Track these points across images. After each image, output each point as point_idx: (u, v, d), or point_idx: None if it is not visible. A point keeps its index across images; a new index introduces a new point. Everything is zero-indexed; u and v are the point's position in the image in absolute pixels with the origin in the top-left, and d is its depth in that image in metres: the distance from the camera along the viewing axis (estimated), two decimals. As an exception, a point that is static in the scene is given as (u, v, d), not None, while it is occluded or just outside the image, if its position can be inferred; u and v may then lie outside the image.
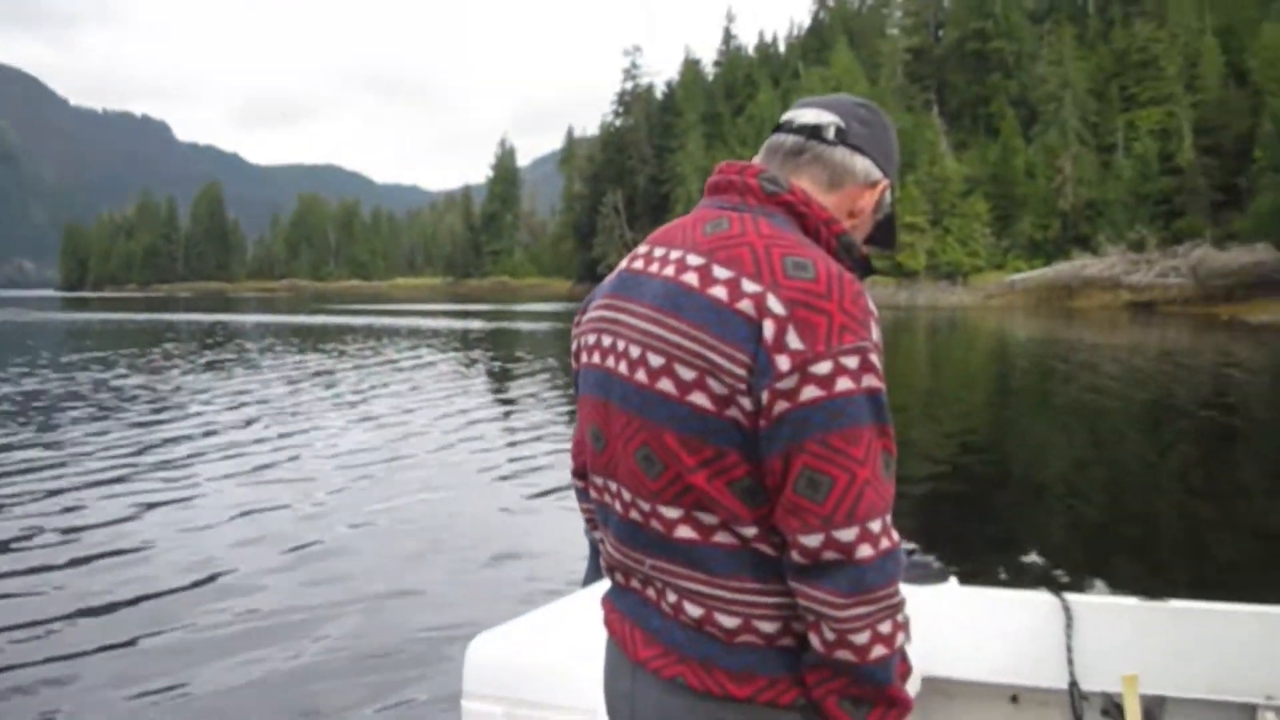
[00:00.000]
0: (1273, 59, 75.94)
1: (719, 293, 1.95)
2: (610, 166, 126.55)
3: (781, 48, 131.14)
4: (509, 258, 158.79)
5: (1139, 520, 11.95)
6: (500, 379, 27.51)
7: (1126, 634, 4.52)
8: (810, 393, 1.86)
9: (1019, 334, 46.93)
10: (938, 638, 4.64)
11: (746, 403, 1.90)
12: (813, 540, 1.88)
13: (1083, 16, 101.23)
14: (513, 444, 16.22)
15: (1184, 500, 13.28)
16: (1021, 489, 14.19)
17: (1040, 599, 4.72)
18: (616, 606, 2.21)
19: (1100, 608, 4.64)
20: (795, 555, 1.91)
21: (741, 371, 1.90)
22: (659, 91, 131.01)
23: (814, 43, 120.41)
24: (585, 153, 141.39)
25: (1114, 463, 16.24)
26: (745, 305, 1.91)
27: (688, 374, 1.95)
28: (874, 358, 1.91)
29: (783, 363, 1.87)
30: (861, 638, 1.91)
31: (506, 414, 20.48)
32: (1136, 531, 11.32)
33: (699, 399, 1.94)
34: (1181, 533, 11.50)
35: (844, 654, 1.91)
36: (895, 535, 1.92)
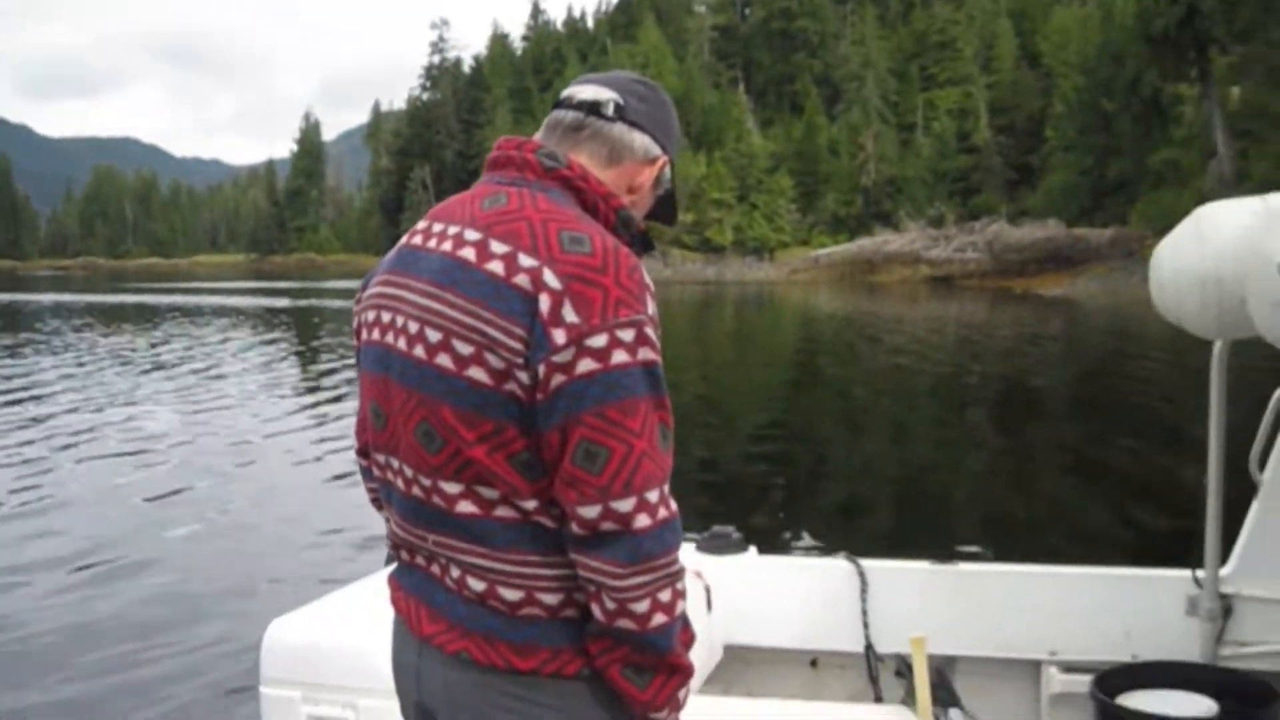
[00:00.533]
0: (1063, 42, 78.51)
1: (496, 267, 1.96)
2: (417, 141, 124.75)
3: (590, 23, 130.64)
4: (314, 234, 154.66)
5: (933, 487, 12.37)
6: (304, 359, 27.33)
7: (918, 597, 4.67)
8: (586, 366, 1.88)
9: (824, 309, 47.34)
10: (738, 607, 4.73)
11: (524, 376, 1.91)
12: (590, 511, 1.90)
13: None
14: (315, 424, 16.19)
15: (976, 466, 13.85)
16: (821, 460, 14.42)
17: (836, 565, 4.81)
18: (402, 584, 2.21)
19: (893, 572, 4.76)
20: (574, 527, 1.93)
21: (518, 346, 1.91)
22: (467, 66, 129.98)
23: (622, 19, 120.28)
24: (392, 127, 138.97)
25: (910, 432, 16.58)
26: (521, 279, 1.92)
27: (465, 349, 1.95)
28: (650, 331, 1.94)
29: (559, 336, 1.88)
30: (641, 606, 1.93)
31: (309, 393, 20.39)
32: (930, 498, 11.76)
33: (477, 373, 1.95)
34: (972, 498, 12.04)
35: (625, 623, 1.94)
36: (673, 505, 1.95)
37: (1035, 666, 4.55)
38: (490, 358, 1.93)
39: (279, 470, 12.84)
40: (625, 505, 1.89)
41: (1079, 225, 59.75)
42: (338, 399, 18.84)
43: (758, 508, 11.05)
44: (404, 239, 2.16)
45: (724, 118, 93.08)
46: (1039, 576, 4.15)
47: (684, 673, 2.04)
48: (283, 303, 55.54)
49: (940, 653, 4.47)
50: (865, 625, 4.69)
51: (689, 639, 2.07)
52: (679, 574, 1.98)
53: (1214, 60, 56.09)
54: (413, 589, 2.16)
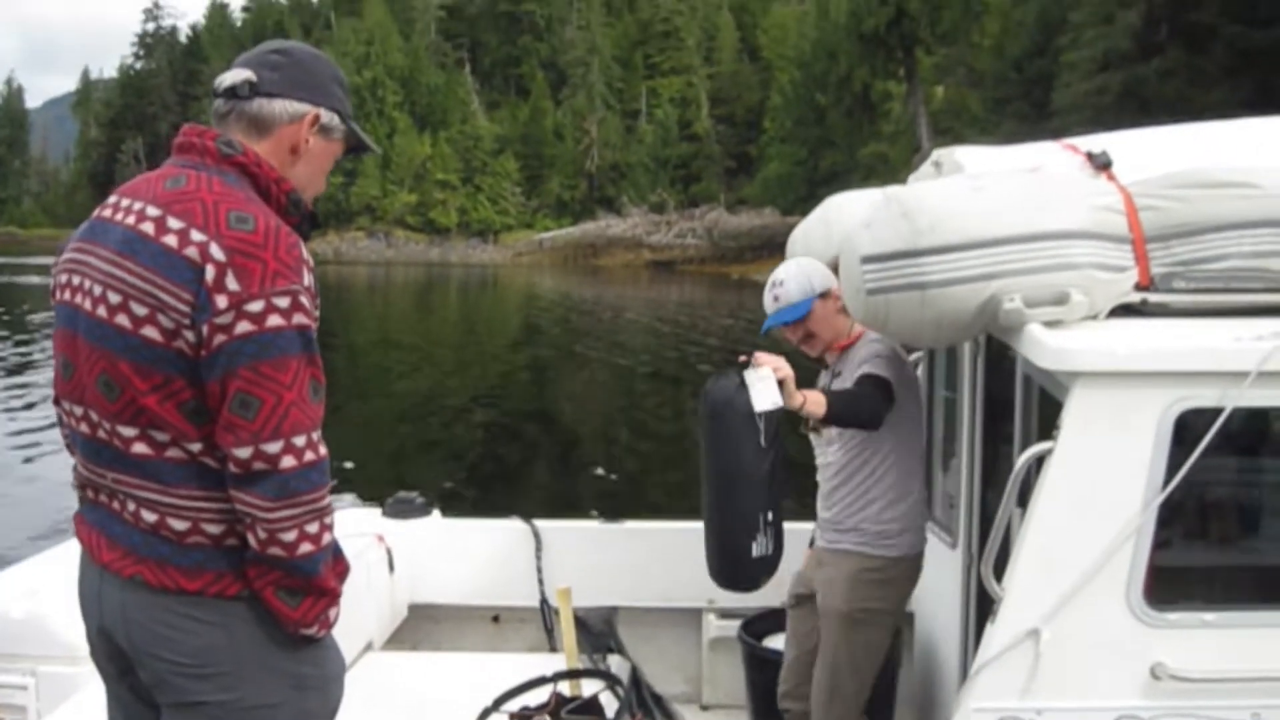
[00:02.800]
0: (781, 37, 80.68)
1: (170, 240, 2.23)
2: (130, 112, 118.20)
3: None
4: (17, 207, 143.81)
5: (616, 453, 13.42)
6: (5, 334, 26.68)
7: (589, 553, 5.07)
8: (243, 327, 2.17)
9: (547, 291, 47.22)
10: (422, 567, 5.08)
11: (190, 335, 2.20)
12: (243, 452, 2.21)
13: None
14: (18, 393, 16.09)
15: (663, 434, 14.84)
16: (514, 432, 15.16)
17: (514, 526, 5.17)
18: (85, 519, 2.46)
19: (566, 531, 5.19)
20: (231, 466, 2.22)
21: (185, 308, 2.19)
22: (183, 35, 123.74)
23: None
24: (102, 96, 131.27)
25: (601, 407, 17.44)
26: (191, 251, 2.21)
27: (140, 310, 2.23)
28: (304, 300, 2.24)
29: (221, 301, 2.17)
30: (289, 536, 2.25)
31: (15, 368, 20.06)
32: (609, 463, 12.64)
33: (150, 332, 2.22)
34: (646, 462, 13.09)
35: (275, 550, 2.26)
36: (322, 450, 2.28)
37: (696, 614, 5.00)
38: (162, 318, 2.20)
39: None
40: (273, 447, 2.20)
41: (794, 214, 61.33)
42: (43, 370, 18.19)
43: (446, 474, 11.59)
44: (95, 212, 2.42)
45: (449, 98, 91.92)
46: (699, 531, 4.31)
47: (331, 595, 2.37)
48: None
49: (608, 604, 4.92)
50: (540, 581, 5.03)
51: (343, 570, 2.42)
52: (326, 509, 2.30)
53: (920, 60, 58.62)
54: (95, 522, 2.41)
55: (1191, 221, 3.51)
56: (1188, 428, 3.28)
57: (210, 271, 2.17)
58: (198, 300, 2.18)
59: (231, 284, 2.17)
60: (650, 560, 4.94)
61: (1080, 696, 3.38)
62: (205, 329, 2.17)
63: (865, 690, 4.16)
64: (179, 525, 2.28)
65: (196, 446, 2.26)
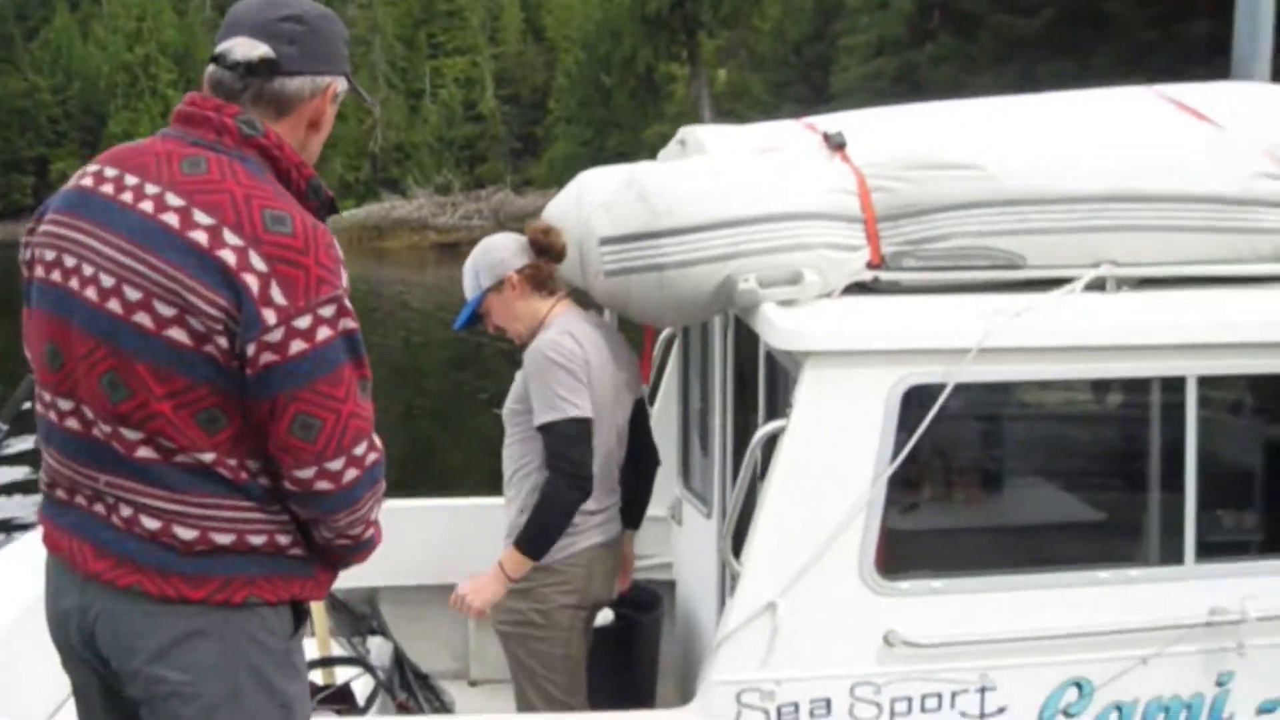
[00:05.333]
0: (565, 18, 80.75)
1: (199, 237, 2.09)
2: None
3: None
4: None
5: (380, 433, 13.28)
6: None
7: None
8: (297, 346, 2.10)
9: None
10: None
11: (223, 341, 2.09)
12: (306, 473, 2.18)
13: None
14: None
15: (433, 415, 15.35)
16: None
17: None
18: (60, 524, 2.29)
19: None
20: (290, 485, 2.20)
21: (220, 315, 2.08)
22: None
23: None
24: None
25: (378, 387, 17.19)
26: (227, 255, 2.08)
27: (167, 310, 2.10)
28: (347, 302, 2.19)
29: (270, 317, 2.08)
30: (355, 530, 2.31)
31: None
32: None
33: (177, 334, 2.10)
34: (415, 441, 13.26)
35: (342, 542, 2.32)
36: (378, 444, 2.29)
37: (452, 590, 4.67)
38: (192, 321, 2.09)
39: None
40: (337, 464, 2.18)
41: (580, 195, 61.60)
42: None
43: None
44: (77, 179, 2.27)
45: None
46: (463, 509, 4.39)
47: (374, 544, 2.45)
48: None
49: (369, 585, 4.82)
50: None
51: (377, 532, 2.45)
52: (381, 493, 2.33)
53: (702, 43, 59.41)
54: (73, 527, 2.26)
55: (920, 202, 3.62)
56: (914, 403, 3.38)
57: (254, 283, 2.08)
58: (240, 312, 2.09)
59: (278, 297, 2.09)
60: (414, 539, 4.81)
61: (817, 666, 3.46)
62: (252, 347, 2.09)
63: (575, 684, 4.01)
64: (186, 534, 2.18)
65: (209, 456, 2.16)
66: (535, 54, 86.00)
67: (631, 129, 59.85)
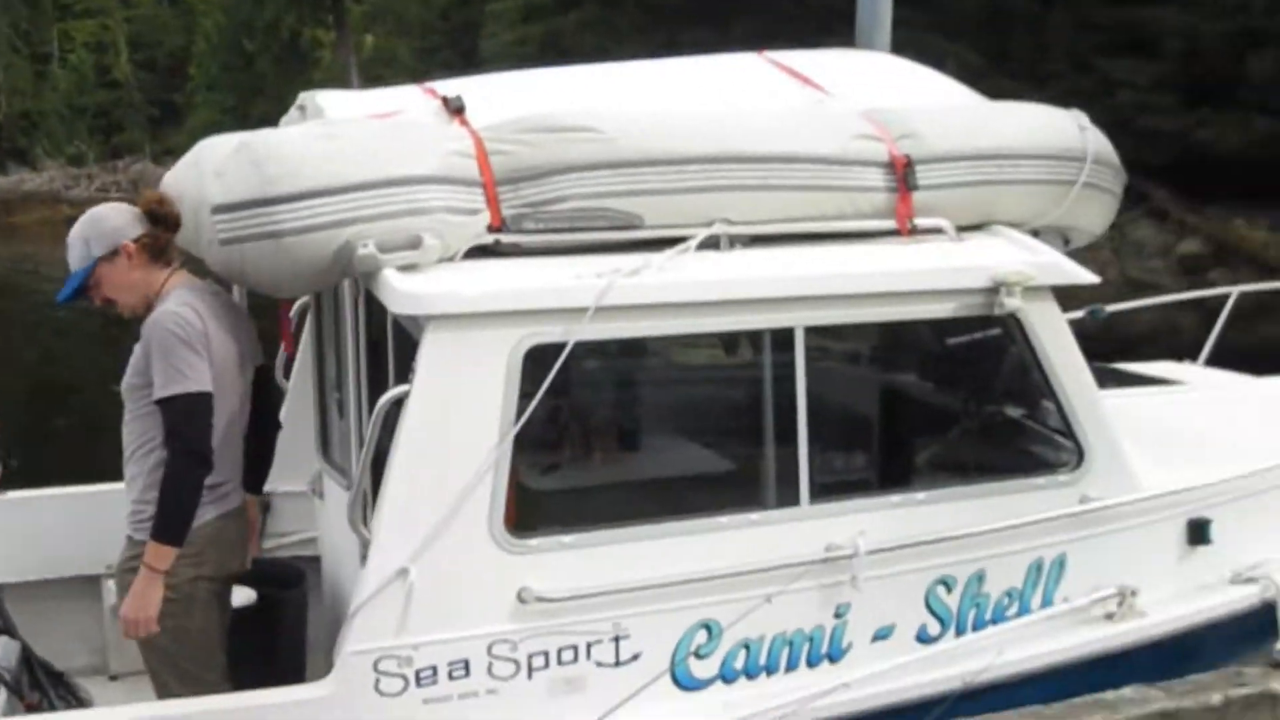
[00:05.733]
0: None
1: None
2: None
3: None
4: None
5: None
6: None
7: None
8: None
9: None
10: None
11: None
12: None
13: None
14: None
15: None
16: None
17: None
18: None
19: None
20: None
21: None
22: None
23: None
24: None
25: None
26: None
27: None
28: None
29: None
30: None
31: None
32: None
33: None
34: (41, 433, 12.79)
35: None
36: None
37: (95, 581, 4.77)
38: None
39: None
40: None
41: (227, 165, 59.39)
42: None
43: None
44: None
45: None
46: (94, 496, 4.27)
47: None
48: None
49: None
50: None
51: None
52: None
53: (349, 9, 58.06)
54: None
55: (538, 165, 3.66)
56: (537, 363, 3.43)
57: None
58: None
59: None
60: (38, 531, 4.69)
61: (453, 628, 3.48)
62: None
63: (210, 659, 3.93)
64: None
65: None
66: (171, 17, 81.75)
67: (277, 96, 57.73)
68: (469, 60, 40.38)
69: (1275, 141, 26.62)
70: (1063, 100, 4.96)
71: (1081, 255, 4.45)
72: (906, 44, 6.17)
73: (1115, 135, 4.59)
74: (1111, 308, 6.08)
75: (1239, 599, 4.45)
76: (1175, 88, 27.43)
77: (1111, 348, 7.18)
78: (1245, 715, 4.09)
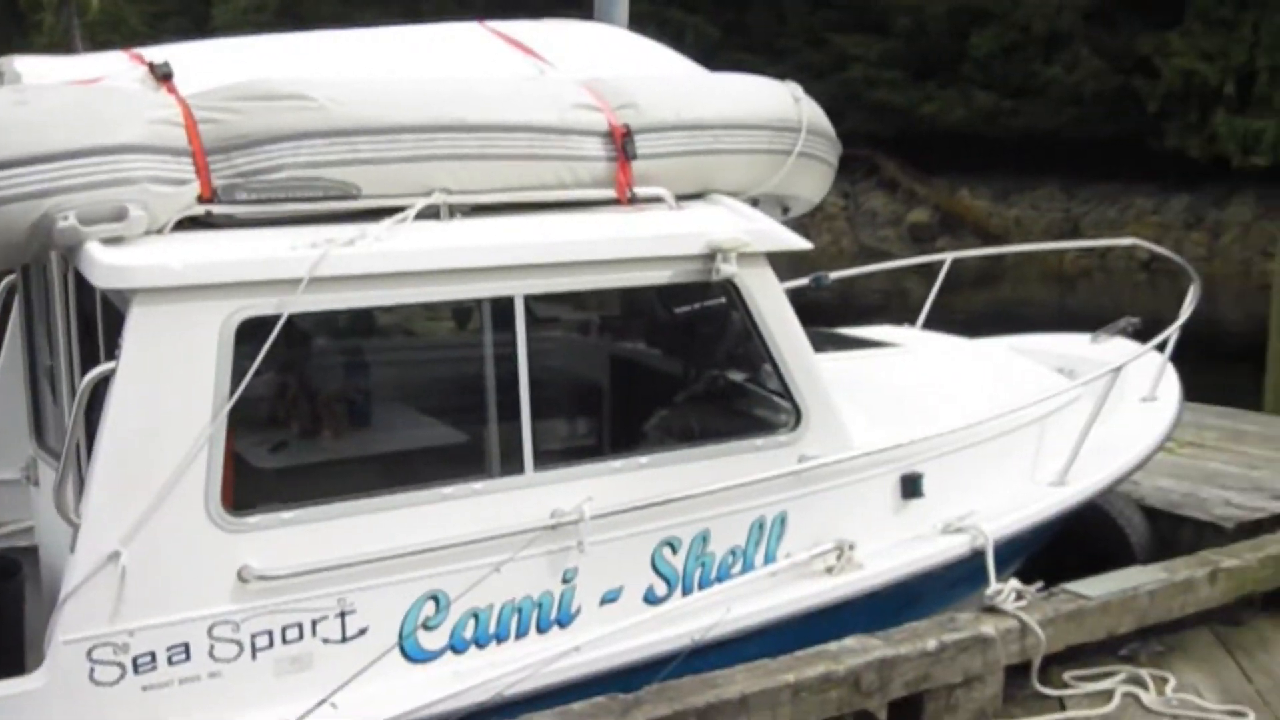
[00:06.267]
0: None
1: None
2: None
3: None
4: None
5: None
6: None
7: None
8: None
9: None
10: None
11: None
12: None
13: None
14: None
15: None
16: None
17: None
18: None
19: None
20: None
21: None
22: None
23: None
24: None
25: None
26: None
27: None
28: None
29: None
30: None
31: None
32: None
33: None
34: None
35: None
36: None
37: None
38: None
39: None
40: None
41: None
42: None
43: None
44: None
45: None
46: None
47: None
48: None
49: None
50: None
51: None
52: None
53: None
54: None
55: (249, 133, 3.57)
56: (250, 337, 3.36)
57: None
58: None
59: None
60: None
61: (171, 611, 3.38)
62: None
63: None
64: None
65: None
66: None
67: (-5, 59, 54.67)
68: (201, 27, 38.90)
69: (996, 115, 28.24)
70: (798, 74, 5.12)
71: (817, 224, 4.62)
72: (646, 16, 6.27)
73: (848, 109, 4.82)
74: (835, 274, 6.31)
75: (950, 548, 4.68)
76: (903, 63, 28.71)
77: (847, 314, 7.49)
78: (959, 658, 4.34)
